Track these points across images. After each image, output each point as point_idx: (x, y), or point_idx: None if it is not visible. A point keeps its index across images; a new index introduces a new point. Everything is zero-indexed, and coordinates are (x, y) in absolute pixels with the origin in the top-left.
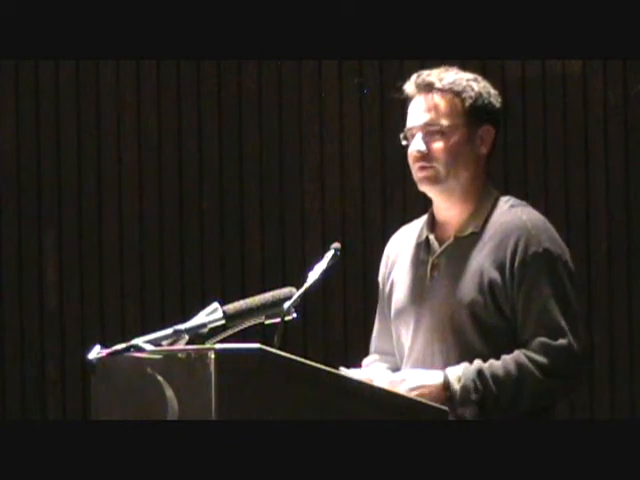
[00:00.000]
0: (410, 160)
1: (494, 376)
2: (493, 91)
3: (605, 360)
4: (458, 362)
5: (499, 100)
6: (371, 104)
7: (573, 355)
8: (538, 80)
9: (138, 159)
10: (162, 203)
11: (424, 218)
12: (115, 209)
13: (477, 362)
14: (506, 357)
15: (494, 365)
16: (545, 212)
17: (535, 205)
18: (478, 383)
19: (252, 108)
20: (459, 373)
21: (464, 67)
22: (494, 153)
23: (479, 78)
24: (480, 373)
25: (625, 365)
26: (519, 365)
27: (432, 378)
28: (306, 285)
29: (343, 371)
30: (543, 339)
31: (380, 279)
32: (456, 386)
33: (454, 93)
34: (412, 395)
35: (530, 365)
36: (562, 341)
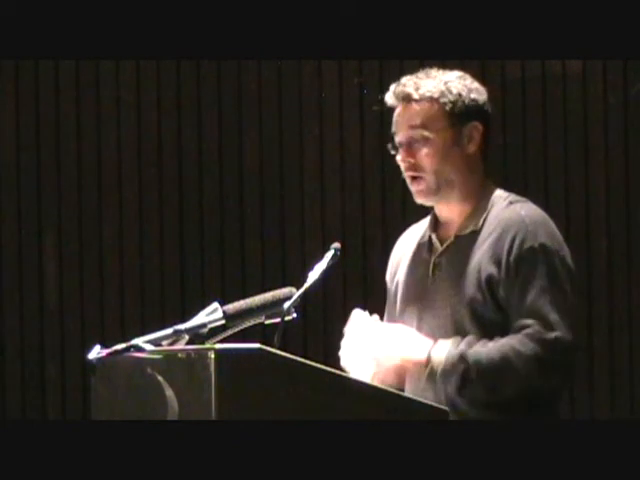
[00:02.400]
0: (402, 168)
1: (476, 363)
2: (475, 86)
3: (605, 360)
4: None
5: (483, 93)
6: (371, 104)
7: (561, 350)
8: (538, 80)
9: (138, 159)
10: (162, 203)
11: (429, 217)
12: (115, 209)
13: (462, 346)
14: (491, 345)
15: (479, 353)
16: (545, 212)
17: (535, 205)
18: (460, 369)
19: (252, 108)
20: (442, 356)
21: (464, 67)
22: (490, 149)
23: (460, 76)
24: (462, 359)
25: (625, 365)
26: (503, 354)
27: (416, 353)
28: (306, 285)
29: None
30: (530, 330)
31: (388, 279)
32: (436, 367)
33: (433, 100)
34: (394, 364)
35: (513, 356)
36: (550, 334)
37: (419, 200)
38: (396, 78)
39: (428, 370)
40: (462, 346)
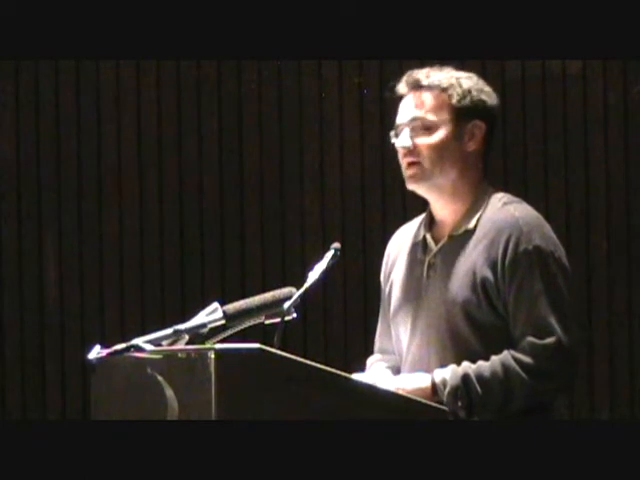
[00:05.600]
0: (399, 157)
1: (481, 380)
2: (487, 88)
3: (605, 360)
4: (454, 361)
5: (493, 97)
6: (371, 104)
7: (562, 353)
8: (538, 80)
9: (138, 159)
10: (162, 203)
11: (422, 217)
12: (115, 209)
13: (464, 365)
14: (494, 358)
15: (481, 368)
16: (545, 212)
17: (535, 205)
18: (463, 389)
19: (252, 108)
20: (446, 377)
21: (464, 67)
22: (489, 150)
23: (473, 76)
24: (466, 378)
25: (625, 365)
26: (506, 367)
27: (420, 382)
28: (306, 285)
29: None
30: (531, 338)
31: (382, 279)
32: (443, 391)
33: (441, 89)
34: None
35: (517, 367)
36: (550, 339)
37: (411, 186)
38: (396, 78)
39: (435, 398)
40: (464, 364)
